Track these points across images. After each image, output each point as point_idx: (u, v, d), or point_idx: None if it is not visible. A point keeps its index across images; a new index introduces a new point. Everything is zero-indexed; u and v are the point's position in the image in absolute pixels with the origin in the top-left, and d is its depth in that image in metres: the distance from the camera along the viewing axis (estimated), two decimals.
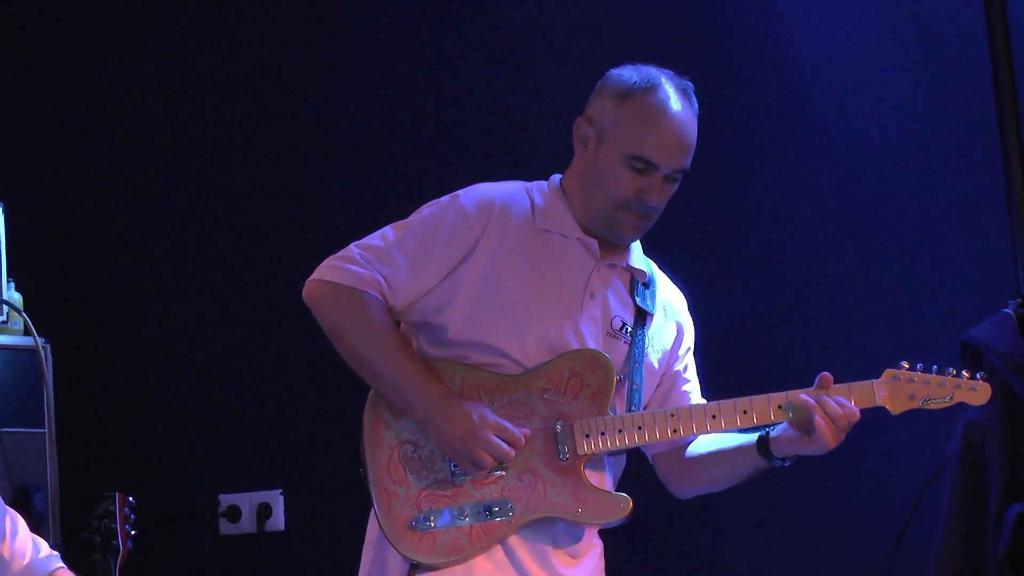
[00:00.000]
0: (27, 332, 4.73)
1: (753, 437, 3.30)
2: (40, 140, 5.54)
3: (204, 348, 5.33)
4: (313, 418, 5.13)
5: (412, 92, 5.16)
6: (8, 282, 4.91)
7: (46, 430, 4.76)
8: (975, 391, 3.23)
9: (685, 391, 3.44)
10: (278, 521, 5.20)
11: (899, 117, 4.57)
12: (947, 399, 3.24)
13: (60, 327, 5.07)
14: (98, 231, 5.49)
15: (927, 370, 3.24)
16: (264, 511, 5.19)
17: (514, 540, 3.23)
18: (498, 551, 3.22)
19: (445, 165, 4.95)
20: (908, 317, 4.53)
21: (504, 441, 3.19)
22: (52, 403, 4.75)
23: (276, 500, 5.20)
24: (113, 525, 4.33)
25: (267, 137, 5.33)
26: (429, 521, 3.21)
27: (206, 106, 5.40)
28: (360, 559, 3.32)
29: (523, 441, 3.21)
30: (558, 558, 3.27)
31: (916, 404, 3.24)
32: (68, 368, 5.07)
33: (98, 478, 4.91)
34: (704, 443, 3.40)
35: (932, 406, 3.25)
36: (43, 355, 4.74)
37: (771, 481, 4.59)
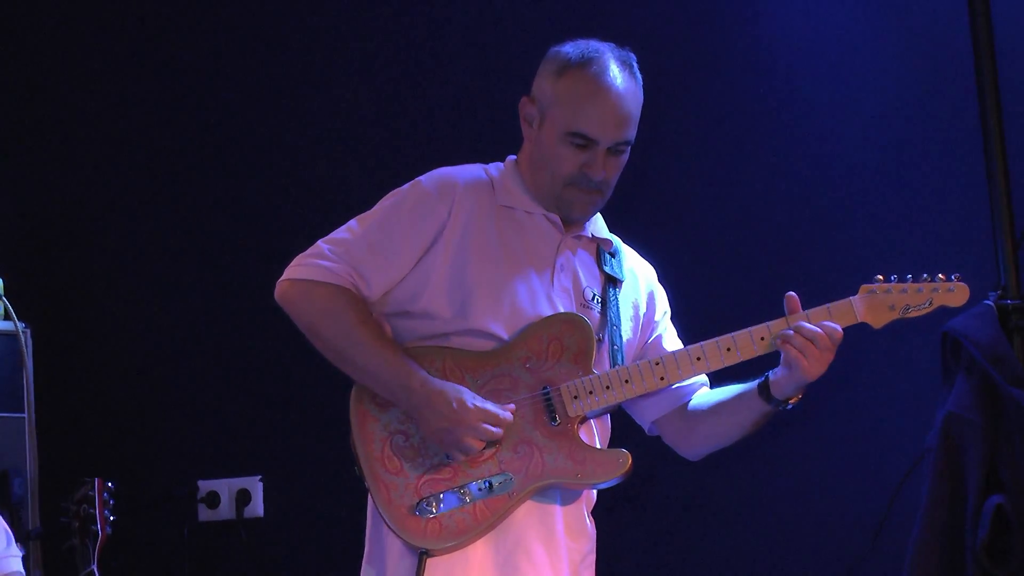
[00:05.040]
0: (7, 317, 4.73)
1: (754, 383, 3.29)
2: (21, 127, 5.52)
3: (184, 334, 5.33)
4: (292, 404, 5.13)
5: (402, 89, 5.16)
6: None
7: (26, 415, 4.76)
8: (953, 292, 3.24)
9: (671, 351, 3.42)
10: (257, 507, 5.19)
11: (882, 110, 4.57)
12: (926, 305, 3.25)
13: (40, 312, 5.07)
14: (79, 216, 5.47)
15: (902, 279, 3.25)
16: (243, 497, 5.18)
17: (517, 517, 3.22)
18: (503, 529, 3.21)
19: (439, 162, 4.96)
20: None
21: (488, 422, 3.18)
22: (32, 388, 4.75)
23: (255, 486, 5.19)
24: (92, 510, 4.32)
25: (247, 125, 5.32)
26: (432, 506, 3.19)
27: (187, 93, 5.39)
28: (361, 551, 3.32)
29: (509, 418, 3.20)
30: (560, 533, 3.26)
31: (897, 314, 3.25)
32: (48, 353, 5.07)
33: (77, 463, 4.90)
34: (706, 397, 3.39)
35: (913, 314, 3.25)
36: (23, 340, 4.74)
37: (749, 471, 4.62)
